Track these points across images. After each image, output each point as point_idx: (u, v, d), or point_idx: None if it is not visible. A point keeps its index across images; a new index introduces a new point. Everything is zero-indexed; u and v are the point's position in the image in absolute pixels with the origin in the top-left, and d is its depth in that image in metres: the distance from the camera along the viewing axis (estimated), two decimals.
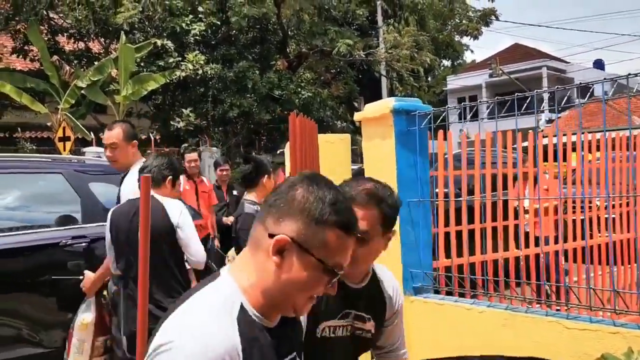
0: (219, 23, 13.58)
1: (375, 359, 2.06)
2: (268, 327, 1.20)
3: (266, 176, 3.80)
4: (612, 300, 2.55)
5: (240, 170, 4.69)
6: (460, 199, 3.36)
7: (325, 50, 14.33)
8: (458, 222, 3.40)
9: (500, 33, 34.13)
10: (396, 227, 1.89)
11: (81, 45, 14.56)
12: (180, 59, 12.53)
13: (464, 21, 17.86)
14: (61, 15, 14.19)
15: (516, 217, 3.70)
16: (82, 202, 4.28)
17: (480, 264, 3.32)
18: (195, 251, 3.19)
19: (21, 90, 11.43)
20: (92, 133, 11.44)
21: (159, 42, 12.29)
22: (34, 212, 4.43)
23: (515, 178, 3.92)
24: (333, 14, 14.99)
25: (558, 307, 3.14)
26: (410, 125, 3.22)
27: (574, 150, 4.17)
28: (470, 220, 3.42)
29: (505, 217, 3.65)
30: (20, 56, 14.14)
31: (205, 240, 5.42)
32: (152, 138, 11.95)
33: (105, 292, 3.64)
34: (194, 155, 6.78)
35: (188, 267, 3.30)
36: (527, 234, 3.76)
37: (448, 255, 3.30)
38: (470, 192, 3.60)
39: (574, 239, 4.11)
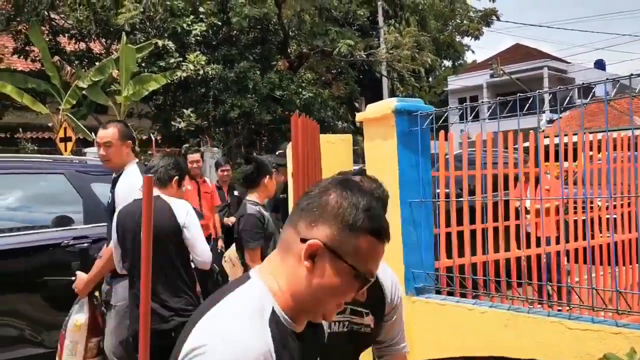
0: (220, 23, 13.58)
1: (375, 353, 2.06)
2: (295, 331, 1.19)
3: (267, 176, 3.80)
4: (614, 301, 2.55)
5: (241, 170, 4.69)
6: (461, 199, 3.36)
7: (326, 50, 14.33)
8: (460, 222, 3.40)
9: (501, 33, 34.21)
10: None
11: (82, 45, 14.57)
12: (181, 59, 12.53)
13: (464, 21, 17.86)
14: (62, 15, 14.19)
15: (517, 217, 3.70)
16: (84, 203, 4.29)
17: (482, 265, 3.32)
18: (201, 251, 3.20)
19: (22, 90, 11.43)
20: (93, 133, 11.42)
21: (160, 43, 12.29)
22: (36, 212, 4.44)
23: (516, 178, 3.92)
24: (334, 14, 14.99)
25: (560, 308, 3.14)
26: (412, 126, 3.22)
27: (575, 150, 4.17)
28: (472, 220, 3.42)
29: (507, 218, 3.64)
30: (22, 57, 14.14)
31: (207, 241, 5.42)
32: (153, 138, 11.94)
33: (97, 293, 3.64)
34: (197, 156, 6.78)
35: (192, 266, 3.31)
36: (528, 235, 3.76)
37: (450, 255, 3.30)
38: (472, 192, 3.60)
39: (576, 239, 4.11)
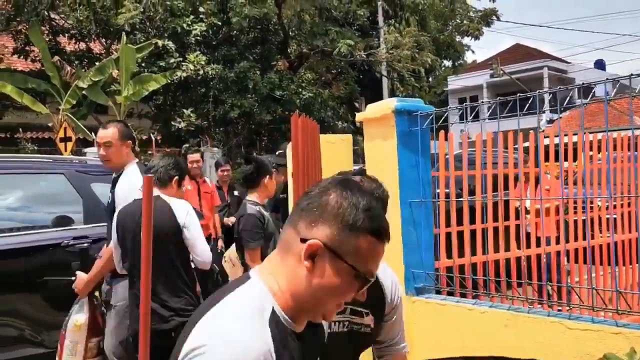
0: (220, 23, 13.58)
1: (375, 353, 2.06)
2: (295, 331, 1.19)
3: (267, 176, 3.80)
4: (614, 301, 2.55)
5: (241, 170, 4.69)
6: (461, 199, 3.36)
7: (326, 50, 14.33)
8: (460, 222, 3.40)
9: (501, 33, 34.25)
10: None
11: (82, 45, 14.57)
12: (181, 59, 12.54)
13: (464, 21, 17.86)
14: (62, 15, 14.19)
15: (517, 217, 3.70)
16: (84, 203, 4.29)
17: (482, 265, 3.32)
18: (201, 251, 3.20)
19: (22, 90, 11.43)
20: (93, 133, 11.42)
21: (160, 43, 12.29)
22: (36, 212, 4.44)
23: (516, 178, 3.93)
24: (334, 14, 14.99)
25: (560, 308, 3.14)
26: (412, 126, 3.22)
27: (575, 150, 4.17)
28: (472, 220, 3.42)
29: (507, 218, 3.64)
30: (22, 57, 14.15)
31: (207, 241, 5.42)
32: (153, 139, 11.94)
33: (97, 293, 3.64)
34: (197, 156, 6.79)
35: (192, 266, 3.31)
36: (528, 235, 3.76)
37: (450, 255, 3.30)
38: (472, 192, 3.60)
39: (576, 239, 4.11)
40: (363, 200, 1.18)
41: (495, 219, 3.62)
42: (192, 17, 13.06)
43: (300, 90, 13.66)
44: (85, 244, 4.05)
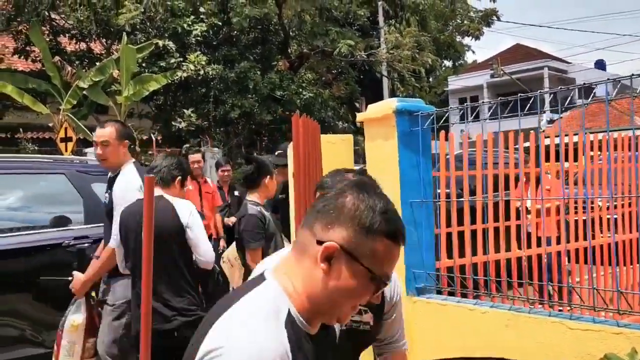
0: (220, 24, 13.58)
1: (375, 351, 2.06)
2: (309, 333, 1.19)
3: (268, 177, 3.80)
4: (615, 301, 2.55)
5: (242, 170, 4.69)
6: (462, 199, 3.36)
7: (326, 50, 14.33)
8: (460, 222, 3.40)
9: (502, 33, 34.29)
10: None
11: (83, 46, 14.57)
12: (181, 59, 12.54)
13: (465, 22, 17.88)
14: (63, 16, 14.19)
15: (518, 217, 3.70)
16: (84, 203, 4.29)
17: (483, 265, 3.32)
18: (204, 251, 3.20)
19: (23, 90, 11.44)
20: (93, 134, 11.39)
21: (160, 43, 12.29)
22: (36, 212, 4.44)
23: (517, 179, 3.92)
24: (334, 14, 14.99)
25: (561, 308, 3.13)
26: (412, 126, 3.22)
27: (575, 150, 4.17)
28: (473, 220, 3.42)
29: (508, 218, 3.64)
30: (22, 57, 14.15)
31: None
32: (154, 139, 11.95)
33: (93, 293, 3.63)
34: (198, 156, 6.80)
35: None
36: (529, 235, 3.76)
37: (450, 255, 3.30)
38: (472, 192, 3.60)
39: (577, 239, 4.11)
40: (380, 202, 1.18)
41: (496, 219, 3.62)
42: (192, 17, 13.06)
43: (300, 90, 13.66)
44: (86, 244, 4.05)
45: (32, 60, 13.97)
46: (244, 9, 12.88)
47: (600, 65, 33.21)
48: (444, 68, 28.58)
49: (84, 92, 11.71)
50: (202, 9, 13.31)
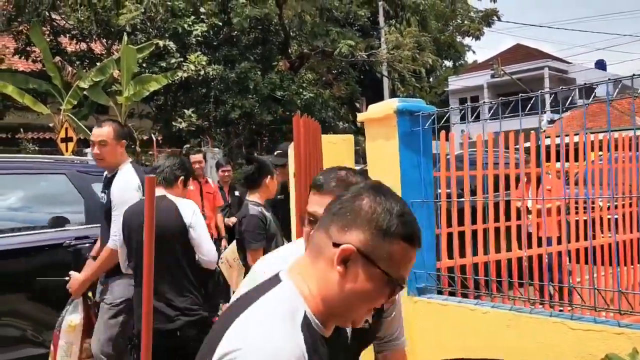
0: (220, 24, 13.58)
1: (375, 349, 2.06)
2: (324, 336, 1.18)
3: (269, 177, 3.80)
4: (616, 301, 2.55)
5: (242, 171, 4.69)
6: (463, 199, 3.36)
7: (327, 51, 14.33)
8: (461, 222, 3.40)
9: (502, 33, 34.31)
10: None
11: (83, 46, 14.58)
12: (182, 59, 12.54)
13: (465, 22, 17.88)
14: (63, 16, 14.20)
15: (519, 217, 3.70)
16: (85, 203, 4.29)
17: (484, 265, 3.32)
18: (207, 251, 3.21)
19: (23, 91, 11.44)
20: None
21: (161, 43, 12.30)
22: (37, 212, 4.44)
23: (517, 179, 3.92)
24: (335, 14, 14.99)
25: (562, 308, 3.14)
26: (413, 126, 3.22)
27: (576, 150, 4.17)
28: (474, 220, 3.42)
29: (508, 218, 3.64)
30: (23, 57, 14.16)
31: None
32: (154, 139, 11.95)
33: (90, 294, 3.63)
34: (199, 156, 6.80)
35: None
36: (530, 235, 3.76)
37: (451, 255, 3.30)
38: (473, 192, 3.60)
39: (577, 239, 4.11)
40: (397, 205, 1.18)
41: (497, 219, 3.62)
42: (193, 17, 13.06)
43: (301, 90, 13.66)
44: (87, 244, 4.05)
45: (33, 61, 13.97)
46: (245, 9, 12.88)
47: (600, 65, 33.20)
48: (444, 68, 28.57)
49: (85, 92, 11.71)
50: (202, 9, 13.31)
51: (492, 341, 2.80)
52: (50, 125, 12.07)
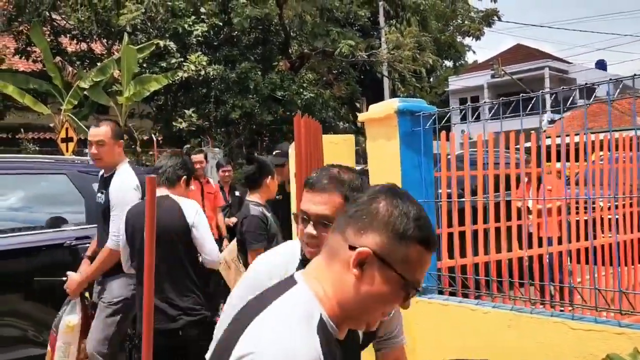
0: (221, 24, 13.58)
1: (374, 347, 2.06)
2: (338, 338, 1.18)
3: (269, 177, 3.80)
4: (617, 301, 2.55)
5: (243, 171, 4.69)
6: (463, 199, 3.36)
7: (327, 51, 14.33)
8: (462, 222, 3.40)
9: (503, 34, 34.31)
10: None
11: (84, 46, 14.58)
12: (182, 60, 12.53)
13: (466, 22, 17.88)
14: (64, 16, 14.20)
15: (519, 217, 3.70)
16: (86, 203, 4.29)
17: (484, 265, 3.32)
18: (210, 250, 3.21)
19: (24, 91, 11.45)
20: None
21: (161, 43, 12.29)
22: (38, 212, 4.44)
23: (518, 179, 3.92)
24: (335, 15, 14.99)
25: (562, 308, 3.14)
26: (414, 126, 3.22)
27: (576, 150, 4.17)
28: (474, 220, 3.42)
29: (509, 218, 3.64)
30: (23, 57, 14.16)
31: None
32: (155, 139, 11.96)
33: (87, 294, 3.62)
34: (200, 156, 6.80)
35: None
36: (530, 235, 3.76)
37: (452, 255, 3.30)
38: (474, 192, 3.60)
39: (578, 239, 4.11)
40: (413, 209, 1.18)
41: (498, 219, 3.62)
42: (193, 17, 13.06)
43: (301, 90, 13.66)
44: (88, 245, 4.05)
45: (33, 61, 13.98)
46: (245, 9, 12.87)
47: (601, 65, 33.19)
48: (444, 68, 28.58)
49: (85, 92, 11.71)
50: (202, 10, 13.31)
51: (492, 341, 2.80)
52: (51, 125, 12.07)
